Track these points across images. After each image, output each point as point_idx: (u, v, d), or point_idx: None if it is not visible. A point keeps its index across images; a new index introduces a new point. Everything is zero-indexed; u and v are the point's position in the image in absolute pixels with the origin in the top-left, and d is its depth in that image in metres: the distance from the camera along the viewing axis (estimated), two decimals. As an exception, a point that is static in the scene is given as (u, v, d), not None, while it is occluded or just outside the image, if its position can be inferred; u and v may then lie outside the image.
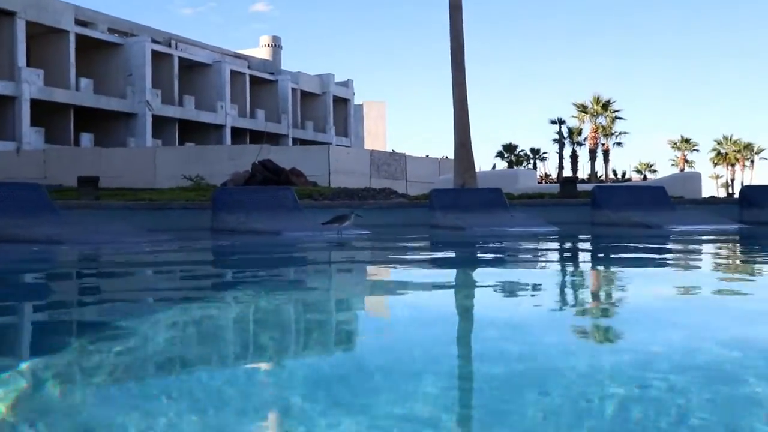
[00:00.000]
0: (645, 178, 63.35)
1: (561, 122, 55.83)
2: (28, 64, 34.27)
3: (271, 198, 9.13)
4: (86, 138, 35.80)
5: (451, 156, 17.20)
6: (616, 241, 7.99)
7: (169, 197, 10.78)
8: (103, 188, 18.53)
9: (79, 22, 37.26)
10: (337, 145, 45.50)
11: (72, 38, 35.75)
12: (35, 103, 33.73)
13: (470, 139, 15.06)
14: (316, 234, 7.85)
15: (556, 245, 7.63)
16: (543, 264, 5.44)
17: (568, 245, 7.77)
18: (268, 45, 50.21)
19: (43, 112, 34.51)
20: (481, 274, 4.59)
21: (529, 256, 6.15)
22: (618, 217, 10.66)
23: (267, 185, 19.12)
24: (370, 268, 5.10)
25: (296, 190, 16.85)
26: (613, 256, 6.20)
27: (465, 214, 9.78)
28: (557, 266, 5.39)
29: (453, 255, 6.39)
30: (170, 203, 9.76)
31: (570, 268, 5.12)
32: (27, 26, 33.73)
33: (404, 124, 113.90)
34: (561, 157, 55.55)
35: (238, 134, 43.91)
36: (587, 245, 7.98)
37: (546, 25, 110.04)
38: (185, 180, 22.19)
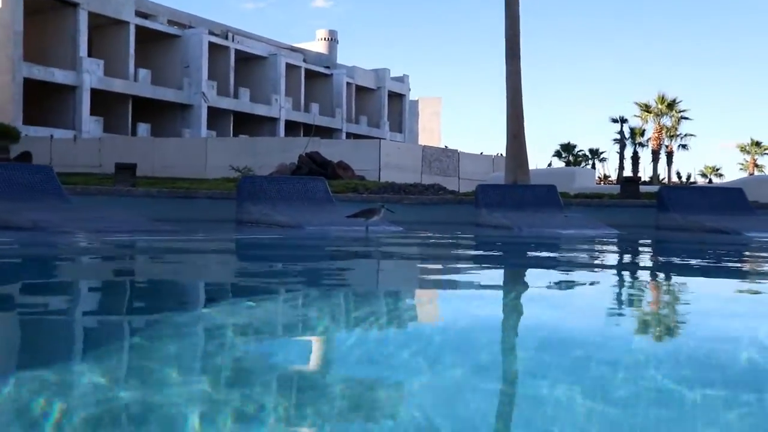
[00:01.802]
0: (710, 182, 60.71)
1: (623, 121, 53.79)
2: (89, 55, 34.93)
3: (301, 189, 8.53)
4: (143, 128, 36.29)
5: (507, 154, 16.43)
6: (689, 247, 7.06)
7: (208, 187, 10.43)
8: (143, 176, 18.50)
9: (140, 14, 37.80)
10: (391, 140, 45.03)
11: (132, 29, 36.27)
12: (95, 93, 34.35)
13: (524, 131, 14.23)
14: (341, 229, 7.24)
15: (618, 251, 6.70)
16: (603, 275, 4.35)
17: (632, 251, 6.83)
18: (325, 39, 50.07)
19: (103, 102, 35.13)
20: (511, 282, 3.90)
21: (584, 262, 5.26)
22: (688, 222, 9.67)
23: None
24: (375, 275, 4.31)
25: (341, 183, 16.45)
26: (693, 264, 5.17)
27: (513, 213, 9.04)
28: (623, 278, 4.41)
29: (483, 258, 5.65)
30: (194, 192, 9.33)
31: (641, 280, 4.21)
32: (89, 17, 34.35)
33: (460, 121, 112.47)
34: (622, 158, 53.55)
35: (291, 127, 43.89)
36: (656, 251, 7.02)
37: (608, 20, 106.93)
38: (233, 171, 22.05)
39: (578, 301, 3.00)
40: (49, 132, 29.92)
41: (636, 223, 10.84)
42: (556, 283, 3.73)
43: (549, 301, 2.96)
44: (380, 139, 32.44)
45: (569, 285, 3.71)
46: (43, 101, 33.67)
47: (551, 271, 4.52)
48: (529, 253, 6.05)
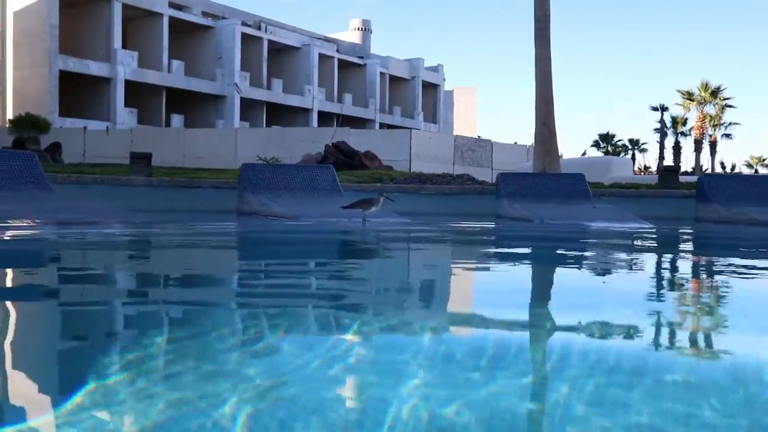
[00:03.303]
0: (756, 172, 58.71)
1: (663, 109, 52.16)
2: (124, 47, 35.23)
3: (307, 178, 8.15)
4: (177, 119, 36.50)
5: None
6: (734, 242, 6.39)
7: (228, 177, 10.15)
8: (169, 166, 18.43)
9: (173, 5, 37.97)
10: (424, 131, 44.52)
11: (165, 21, 36.45)
12: (129, 84, 34.65)
13: (554, 118, 13.65)
14: (340, 221, 6.76)
15: (642, 247, 5.90)
16: (617, 279, 3.51)
17: (660, 247, 6.06)
18: (358, 29, 49.68)
19: (137, 93, 35.42)
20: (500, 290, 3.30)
21: (595, 263, 4.47)
22: (730, 214, 9.00)
23: (339, 168, 18.51)
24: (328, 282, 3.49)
25: (365, 173, 16.11)
26: (740, 265, 4.36)
27: (535, 204, 8.51)
28: (653, 284, 3.56)
29: (486, 255, 4.96)
30: (198, 182, 8.99)
31: (678, 285, 3.45)
32: (123, 9, 34.63)
33: (496, 111, 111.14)
34: (662, 148, 51.97)
35: (324, 118, 43.69)
36: (693, 248, 6.29)
37: (648, 5, 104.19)
38: (260, 161, 21.93)
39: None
40: (84, 123, 30.26)
41: (674, 215, 10.20)
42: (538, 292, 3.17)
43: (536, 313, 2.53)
44: (411, 129, 31.97)
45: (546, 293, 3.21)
46: (79, 93, 34.09)
47: (543, 268, 3.99)
48: (531, 248, 5.44)
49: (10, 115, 29.31)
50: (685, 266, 4.59)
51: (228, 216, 7.72)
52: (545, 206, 8.55)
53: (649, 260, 4.69)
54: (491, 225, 8.03)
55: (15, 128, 23.32)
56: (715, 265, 4.55)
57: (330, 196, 7.72)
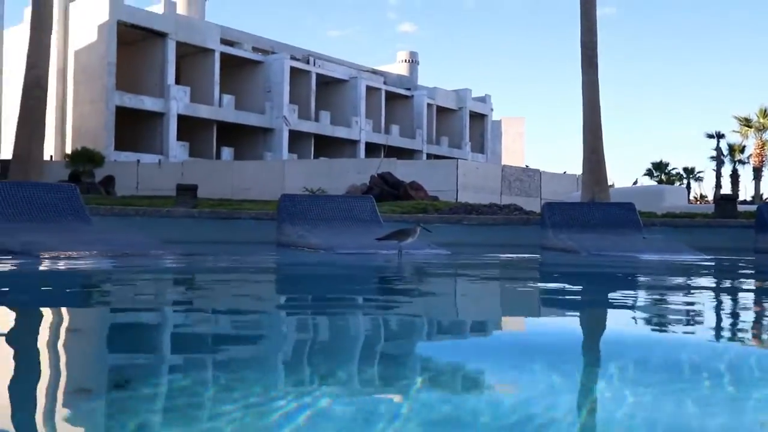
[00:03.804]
0: (821, 200, 56.23)
1: (720, 136, 50.69)
2: (177, 82, 36.28)
3: (345, 208, 8.02)
4: (227, 152, 37.22)
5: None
6: None
7: (271, 209, 10.17)
8: (210, 198, 18.69)
9: (225, 42, 39.02)
10: (472, 161, 44.29)
11: (217, 57, 37.46)
12: (181, 119, 35.59)
13: (602, 145, 13.35)
14: (379, 253, 6.54)
15: (694, 284, 5.35)
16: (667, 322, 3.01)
17: (717, 284, 5.51)
18: (405, 60, 50.12)
19: (189, 127, 36.33)
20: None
21: (637, 302, 3.96)
22: None
23: (384, 198, 18.46)
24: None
25: (410, 204, 15.98)
26: None
27: (582, 234, 8.15)
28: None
29: (519, 293, 4.65)
30: (238, 213, 8.99)
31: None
32: (177, 46, 35.74)
33: (544, 141, 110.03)
34: (719, 176, 50.43)
35: (372, 149, 43.95)
36: (755, 281, 5.77)
37: (702, 28, 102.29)
38: (306, 192, 22.07)
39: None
40: (138, 157, 31.12)
41: (731, 246, 9.70)
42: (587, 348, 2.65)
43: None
44: (458, 159, 31.83)
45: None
46: (133, 127, 35.17)
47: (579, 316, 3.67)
48: (568, 286, 5.01)
49: (69, 150, 30.35)
50: (745, 304, 4.26)
51: (266, 247, 7.66)
52: (592, 236, 8.16)
53: (705, 300, 4.35)
54: (534, 257, 7.77)
55: (72, 162, 24.12)
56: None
57: (369, 227, 7.57)
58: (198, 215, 8.71)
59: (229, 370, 1.94)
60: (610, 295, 4.46)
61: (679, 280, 5.62)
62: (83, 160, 24.10)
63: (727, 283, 5.58)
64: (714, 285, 5.41)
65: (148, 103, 34.64)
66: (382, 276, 5.22)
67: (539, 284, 5.10)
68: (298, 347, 2.32)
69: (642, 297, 4.39)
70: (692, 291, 4.71)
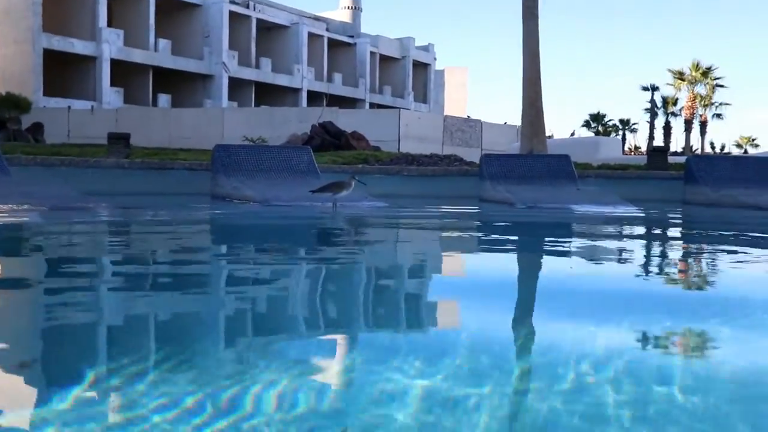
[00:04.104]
0: (746, 152, 58.73)
1: (654, 89, 51.95)
2: (109, 25, 34.65)
3: (282, 159, 7.97)
4: (164, 99, 36.05)
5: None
6: (722, 228, 6.11)
7: (206, 159, 9.92)
8: (147, 147, 18.17)
9: (160, -17, 37.35)
10: (415, 111, 44.24)
11: (152, -1, 35.86)
12: (115, 64, 34.14)
13: (541, 98, 13.53)
14: (313, 205, 6.49)
15: (635, 237, 5.45)
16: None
17: (645, 236, 5.65)
18: (348, 7, 49.11)
19: (123, 73, 34.92)
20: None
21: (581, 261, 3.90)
22: (719, 196, 8.84)
23: (325, 148, 18.31)
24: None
25: (351, 154, 15.93)
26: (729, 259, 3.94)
27: (518, 186, 8.34)
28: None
29: (448, 246, 4.67)
30: (171, 163, 8.75)
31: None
32: (108, -14, 34.03)
33: (487, 92, 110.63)
34: (652, 128, 51.85)
35: (314, 98, 43.30)
36: (680, 237, 5.92)
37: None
38: (247, 141, 21.69)
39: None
40: (69, 103, 29.84)
41: (662, 197, 10.05)
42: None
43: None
44: (400, 108, 31.71)
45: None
46: (63, 72, 33.58)
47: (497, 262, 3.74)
48: (500, 242, 5.08)
49: (-7, 95, 28.81)
50: (663, 260, 4.48)
51: (200, 199, 7.51)
52: (529, 189, 8.41)
53: (623, 253, 4.54)
54: (470, 210, 7.83)
55: (-4, 108, 22.93)
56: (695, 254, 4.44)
57: (306, 178, 7.49)
58: (128, 166, 8.42)
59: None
60: (532, 248, 4.60)
61: (607, 229, 5.87)
62: (8, 105, 22.95)
63: (648, 234, 5.86)
64: (638, 236, 5.66)
65: (79, 47, 33.05)
66: (309, 230, 5.15)
67: (467, 236, 5.20)
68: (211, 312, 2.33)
69: (562, 245, 4.56)
70: (614, 241, 4.91)
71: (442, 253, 4.17)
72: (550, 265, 3.53)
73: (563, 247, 4.50)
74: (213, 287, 2.57)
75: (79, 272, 3.03)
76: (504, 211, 7.48)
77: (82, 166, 8.29)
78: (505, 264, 3.48)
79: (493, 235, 5.26)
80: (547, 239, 4.96)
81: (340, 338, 1.85)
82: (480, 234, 5.29)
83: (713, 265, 3.70)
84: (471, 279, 3.03)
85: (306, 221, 5.78)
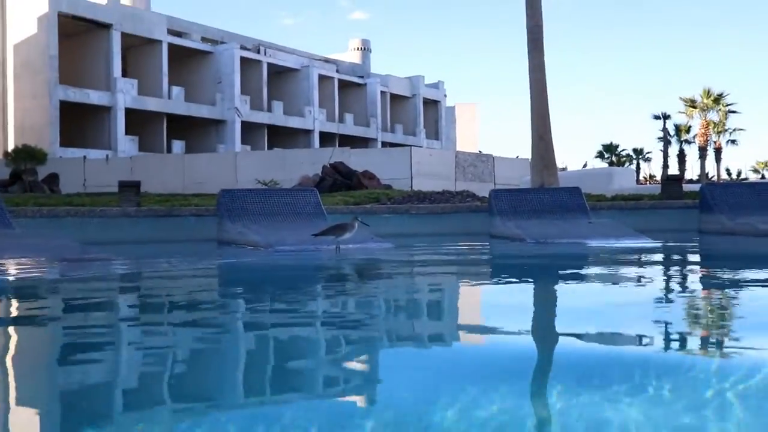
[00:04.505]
0: (763, 177, 58.15)
1: (665, 117, 51.80)
2: (124, 75, 35.34)
3: (288, 202, 7.86)
4: (178, 145, 36.50)
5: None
6: (741, 261, 5.84)
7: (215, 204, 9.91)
8: (161, 193, 18.28)
9: (172, 32, 38.16)
10: (427, 148, 44.41)
11: (165, 48, 36.59)
12: (129, 112, 34.71)
13: (550, 130, 13.37)
14: (318, 248, 6.38)
15: (650, 274, 5.12)
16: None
17: (659, 271, 5.35)
18: (358, 48, 49.84)
19: (137, 121, 35.47)
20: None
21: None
22: (736, 224, 8.51)
23: (337, 188, 18.34)
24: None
25: (362, 193, 15.90)
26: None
27: (529, 221, 8.17)
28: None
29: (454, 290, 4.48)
30: (177, 210, 8.68)
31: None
32: (122, 38, 34.78)
33: (498, 126, 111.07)
34: (666, 156, 51.56)
35: (326, 139, 43.66)
36: (689, 270, 5.66)
37: (647, 13, 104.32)
38: (260, 184, 21.79)
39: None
40: (84, 153, 30.28)
41: (677, 227, 9.76)
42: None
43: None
44: (411, 146, 31.82)
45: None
46: (80, 123, 34.17)
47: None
48: (506, 282, 4.81)
49: (11, 147, 29.34)
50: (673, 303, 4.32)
51: (206, 246, 7.44)
52: (540, 223, 8.21)
53: (630, 292, 4.37)
54: (478, 247, 7.66)
55: (12, 161, 23.27)
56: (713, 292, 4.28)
57: (312, 220, 7.41)
58: (135, 214, 8.38)
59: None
60: (543, 293, 4.45)
61: (620, 266, 5.65)
62: (24, 157, 23.27)
63: (667, 270, 5.62)
64: (654, 273, 5.44)
65: (94, 97, 33.68)
66: (307, 280, 4.93)
67: (479, 282, 5.01)
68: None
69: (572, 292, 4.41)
70: (628, 281, 4.74)
71: (444, 302, 4.04)
72: (566, 320, 3.22)
73: (576, 293, 4.33)
74: (198, 363, 2.42)
75: (55, 336, 2.87)
76: (513, 248, 7.32)
77: (89, 216, 8.26)
78: (515, 319, 3.18)
79: (499, 279, 5.08)
80: (557, 282, 4.75)
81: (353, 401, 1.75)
82: (486, 280, 5.08)
83: (736, 301, 3.56)
84: (475, 339, 2.91)
85: (305, 270, 5.60)
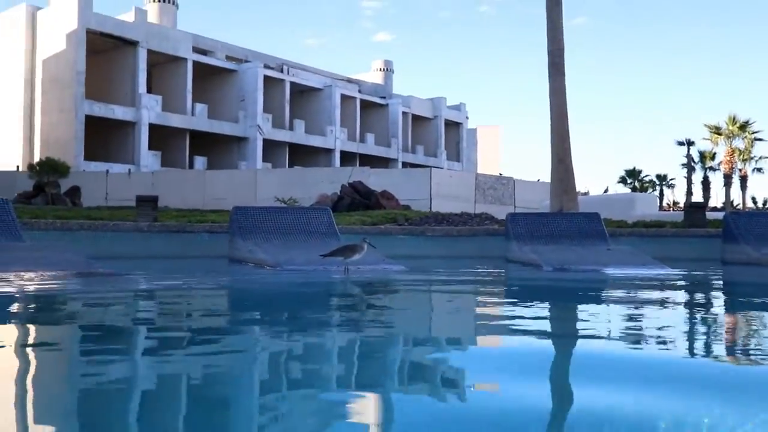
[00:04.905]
0: (791, 207, 57.10)
1: (689, 144, 51.27)
2: (149, 91, 35.81)
3: (301, 221, 7.76)
4: (200, 161, 36.80)
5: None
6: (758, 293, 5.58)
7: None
8: (180, 209, 18.34)
9: (197, 50, 38.65)
10: (448, 169, 44.32)
11: (190, 66, 37.06)
12: (153, 128, 35.11)
13: (570, 154, 13.20)
14: (327, 269, 6.26)
15: (670, 307, 4.79)
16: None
17: (676, 306, 5.02)
18: (380, 69, 50.12)
19: (161, 137, 35.86)
20: None
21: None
22: (761, 255, 8.22)
23: (355, 208, 18.25)
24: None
25: (380, 213, 15.79)
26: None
27: (546, 247, 7.96)
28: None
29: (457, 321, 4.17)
30: (190, 227, 8.66)
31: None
32: (148, 55, 35.29)
33: (519, 149, 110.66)
34: (690, 183, 50.95)
35: (347, 158, 43.78)
36: (710, 302, 5.41)
37: (673, 37, 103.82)
38: (278, 202, 21.80)
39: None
40: (108, 167, 30.61)
41: (699, 256, 9.47)
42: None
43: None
44: (431, 167, 31.76)
45: None
46: (104, 137, 34.63)
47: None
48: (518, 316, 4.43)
49: (37, 160, 29.78)
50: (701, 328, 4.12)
51: (217, 263, 7.34)
52: (557, 249, 8.00)
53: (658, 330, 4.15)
54: (492, 274, 7.43)
55: (36, 173, 23.54)
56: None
57: (324, 240, 7.29)
58: (147, 229, 8.35)
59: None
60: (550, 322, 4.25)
61: (639, 297, 5.37)
62: (48, 170, 23.55)
63: (688, 302, 5.32)
64: (674, 305, 5.17)
65: (119, 113, 34.14)
66: (310, 302, 4.75)
67: (485, 310, 4.76)
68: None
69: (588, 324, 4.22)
70: (645, 315, 4.52)
71: (444, 334, 3.88)
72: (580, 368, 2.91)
73: (593, 332, 4.13)
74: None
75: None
76: (528, 275, 7.10)
77: (102, 230, 8.22)
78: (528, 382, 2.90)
79: (508, 311, 4.81)
80: (571, 318, 4.44)
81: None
82: (492, 310, 4.82)
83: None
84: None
85: (311, 289, 5.45)
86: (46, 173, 22.95)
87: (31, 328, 3.37)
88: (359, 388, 2.16)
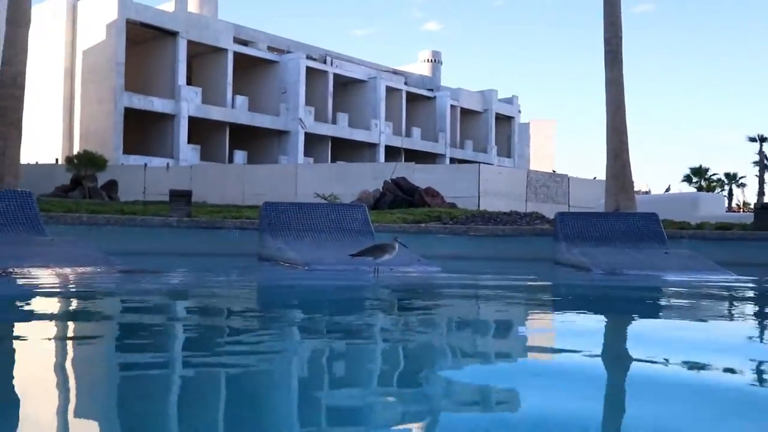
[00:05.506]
0: None
1: (762, 140, 48.09)
2: (188, 83, 35.12)
3: (336, 218, 7.23)
4: (240, 155, 35.97)
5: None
6: None
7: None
8: (214, 204, 17.31)
9: (238, 41, 37.80)
10: (498, 165, 42.50)
11: (230, 57, 36.22)
12: (193, 121, 34.41)
13: (627, 149, 12.09)
14: (359, 268, 5.85)
15: (738, 319, 4.19)
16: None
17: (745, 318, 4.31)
18: (428, 60, 48.51)
19: (200, 130, 35.18)
20: None
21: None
22: None
23: (398, 205, 17.00)
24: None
25: (423, 211, 14.45)
26: None
27: (597, 249, 7.22)
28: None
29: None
30: (220, 222, 8.20)
31: None
32: (188, 46, 34.58)
33: (575, 145, 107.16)
34: (762, 182, 47.74)
35: (392, 153, 42.40)
36: None
37: (744, 28, 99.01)
38: (319, 198, 20.61)
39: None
40: (146, 160, 29.95)
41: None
42: None
43: None
44: (479, 163, 30.07)
45: None
46: (143, 130, 34.09)
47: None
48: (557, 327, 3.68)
49: (76, 152, 29.31)
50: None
51: (245, 261, 6.83)
52: (609, 252, 7.23)
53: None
54: (535, 278, 6.67)
55: (73, 166, 22.98)
56: None
57: (358, 238, 6.81)
58: (176, 224, 8.03)
59: None
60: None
61: (702, 307, 4.48)
62: (85, 163, 22.96)
63: (759, 312, 4.53)
64: (738, 316, 4.32)
65: (158, 105, 33.51)
66: (334, 308, 4.24)
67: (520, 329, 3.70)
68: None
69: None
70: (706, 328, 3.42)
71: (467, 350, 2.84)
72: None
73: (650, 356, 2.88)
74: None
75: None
76: (575, 278, 6.46)
77: (129, 225, 7.91)
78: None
79: (547, 323, 3.82)
80: (624, 334, 3.56)
81: None
82: (528, 326, 3.81)
83: None
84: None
85: (337, 293, 4.97)
86: (84, 166, 22.43)
87: (40, 324, 3.30)
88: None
